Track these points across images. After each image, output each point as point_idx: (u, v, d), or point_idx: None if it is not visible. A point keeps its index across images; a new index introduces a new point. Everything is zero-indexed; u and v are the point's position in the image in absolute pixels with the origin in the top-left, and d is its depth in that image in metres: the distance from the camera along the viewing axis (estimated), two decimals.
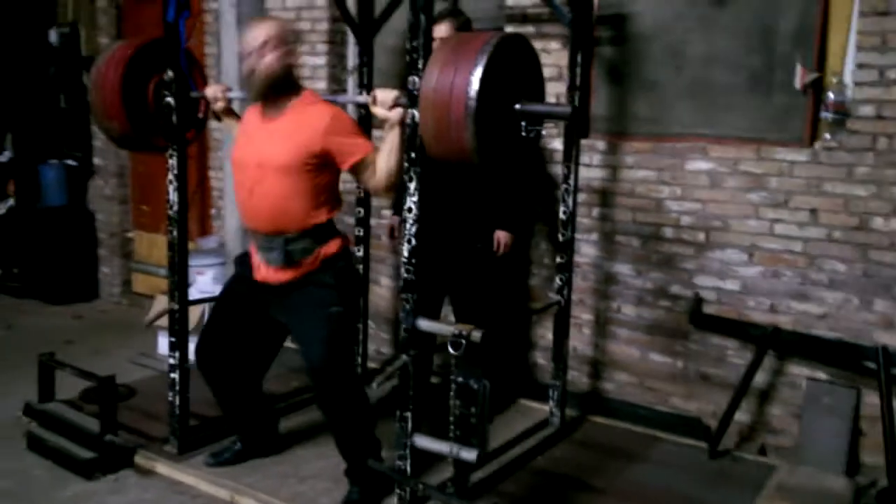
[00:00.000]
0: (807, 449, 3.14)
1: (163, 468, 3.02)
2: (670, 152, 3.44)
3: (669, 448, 3.33)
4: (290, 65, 2.62)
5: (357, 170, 2.60)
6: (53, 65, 5.63)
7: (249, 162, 2.65)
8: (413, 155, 2.49)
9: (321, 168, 2.60)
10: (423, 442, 2.59)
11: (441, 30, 3.04)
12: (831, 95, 3.10)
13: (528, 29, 3.67)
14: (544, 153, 3.73)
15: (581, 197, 3.51)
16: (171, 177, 3.01)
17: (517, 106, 2.42)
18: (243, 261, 2.87)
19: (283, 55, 2.57)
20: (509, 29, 3.73)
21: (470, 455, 2.47)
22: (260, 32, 2.55)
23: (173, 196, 3.02)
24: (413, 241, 2.53)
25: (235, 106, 3.05)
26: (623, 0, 3.50)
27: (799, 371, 3.25)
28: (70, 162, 5.67)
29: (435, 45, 2.69)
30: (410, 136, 2.47)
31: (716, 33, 3.33)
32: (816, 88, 3.15)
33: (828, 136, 3.15)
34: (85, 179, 5.71)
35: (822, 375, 3.19)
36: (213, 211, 5.10)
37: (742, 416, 3.33)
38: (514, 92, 2.41)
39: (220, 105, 2.92)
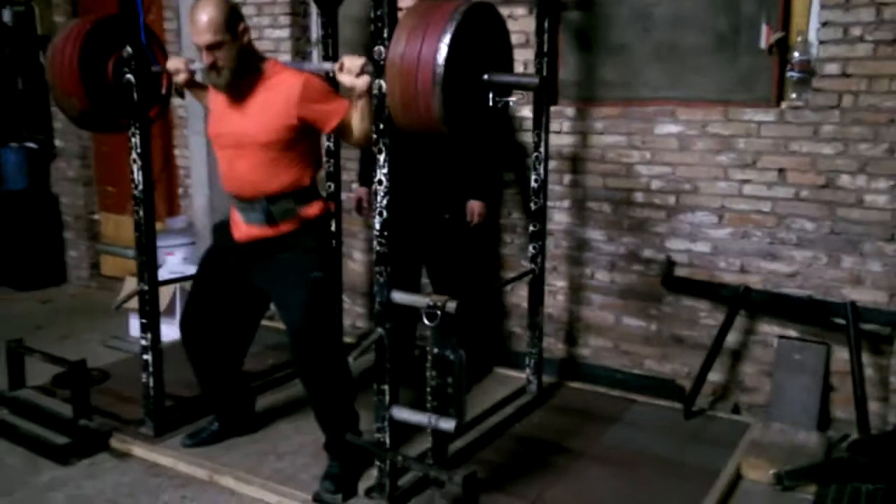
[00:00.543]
0: (779, 406, 3.19)
1: (139, 450, 3.00)
2: (639, 117, 3.44)
3: (645, 410, 3.38)
4: (247, 45, 2.57)
5: (336, 132, 2.65)
6: (8, 45, 5.47)
7: (226, 140, 2.66)
8: (381, 126, 2.45)
9: (300, 136, 2.61)
10: (402, 414, 2.59)
11: None
12: (796, 54, 3.10)
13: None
14: (514, 121, 3.71)
15: (552, 164, 3.50)
16: (134, 156, 2.95)
17: (485, 76, 2.38)
18: (221, 229, 2.86)
19: (238, 39, 2.53)
20: None
21: (448, 425, 2.48)
22: (208, 21, 2.47)
23: (138, 176, 2.96)
24: (384, 214, 2.51)
25: (199, 77, 2.96)
26: None
27: (770, 330, 3.30)
28: (30, 144, 5.53)
29: (401, 14, 2.64)
30: (378, 107, 2.44)
31: None
32: (782, 48, 3.16)
33: (794, 95, 3.16)
34: (46, 162, 5.57)
35: (792, 333, 3.24)
36: (180, 190, 5.02)
37: (715, 375, 3.38)
38: (483, 61, 2.38)
39: (182, 77, 2.81)
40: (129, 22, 2.85)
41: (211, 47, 2.49)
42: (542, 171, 3.22)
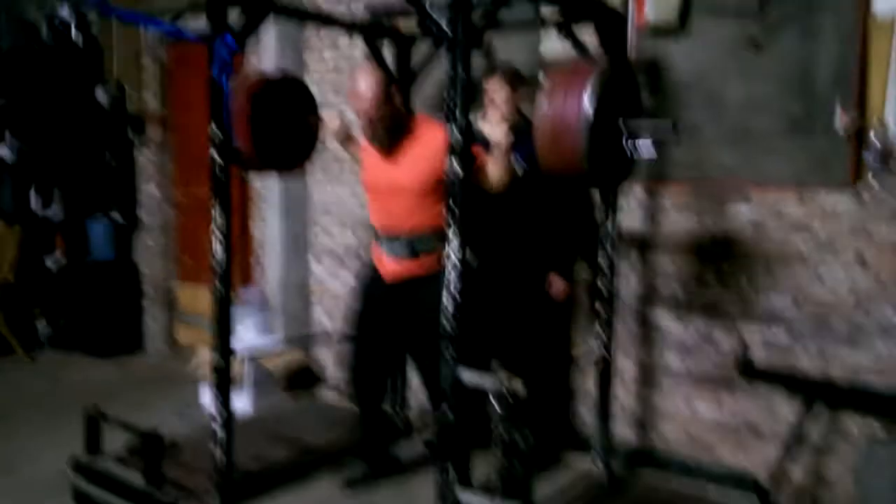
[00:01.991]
0: None
1: None
2: (711, 197, 3.41)
3: None
4: (399, 106, 2.98)
5: (473, 178, 2.84)
6: (101, 123, 5.81)
7: (382, 187, 3.05)
8: (454, 206, 2.51)
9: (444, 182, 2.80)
10: (467, 496, 2.55)
11: (493, 84, 3.32)
12: (873, 136, 3.05)
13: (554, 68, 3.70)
14: (591, 198, 3.71)
15: (621, 244, 3.49)
16: (215, 230, 3.07)
17: (621, 121, 2.58)
18: (367, 271, 3.23)
19: (392, 103, 2.92)
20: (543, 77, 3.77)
21: None
22: (366, 89, 2.87)
23: (217, 248, 3.07)
24: (455, 291, 2.53)
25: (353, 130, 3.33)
26: (659, 48, 3.52)
27: (854, 424, 3.15)
28: (117, 217, 5.81)
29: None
30: (450, 187, 2.52)
31: (755, 79, 3.32)
32: (858, 131, 3.11)
33: (871, 177, 3.09)
34: (131, 233, 5.84)
35: (877, 428, 3.08)
36: (253, 261, 5.17)
37: (795, 470, 3.22)
38: (619, 109, 2.57)
39: (335, 126, 3.20)
40: (216, 103, 3.01)
41: (370, 113, 2.88)
42: (609, 249, 3.20)
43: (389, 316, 3.13)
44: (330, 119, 3.25)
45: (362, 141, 3.16)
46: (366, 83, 2.88)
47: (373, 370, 3.25)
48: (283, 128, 3.24)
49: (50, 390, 4.89)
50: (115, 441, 3.50)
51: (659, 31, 3.47)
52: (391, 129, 2.96)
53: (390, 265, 3.07)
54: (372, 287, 3.19)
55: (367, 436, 3.38)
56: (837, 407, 3.18)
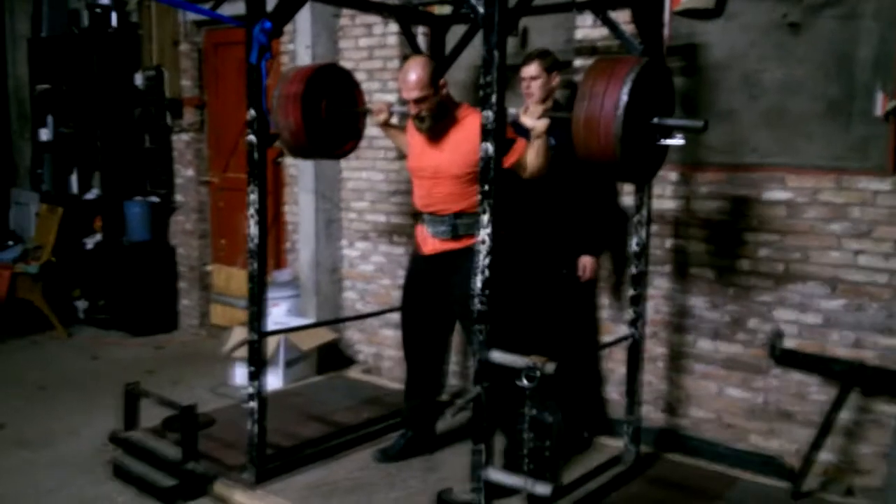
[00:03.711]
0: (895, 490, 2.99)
1: (239, 496, 3.08)
2: (746, 182, 3.38)
3: (749, 488, 3.23)
4: (445, 96, 3.08)
5: (513, 167, 2.97)
6: (139, 106, 5.91)
7: (425, 172, 3.17)
8: (487, 188, 2.52)
9: None
10: (497, 475, 2.58)
11: (530, 70, 3.38)
12: None
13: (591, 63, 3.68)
14: (616, 185, 3.71)
15: (654, 228, 3.47)
16: (252, 211, 3.12)
17: (655, 119, 2.59)
18: (413, 251, 3.43)
19: (438, 93, 3.03)
20: (578, 62, 3.76)
21: (544, 489, 2.45)
22: (416, 79, 2.98)
23: (253, 230, 3.12)
24: (487, 273, 2.55)
25: (395, 119, 3.50)
26: (695, 30, 3.49)
27: (887, 409, 3.11)
28: (153, 199, 5.91)
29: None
30: (483, 169, 2.53)
31: (792, 61, 3.28)
32: None
33: None
34: (167, 215, 5.94)
35: None
36: (287, 244, 5.23)
37: (826, 455, 3.20)
38: (652, 106, 2.60)
39: (383, 117, 3.35)
40: (254, 88, 3.05)
41: (417, 101, 3.00)
42: (643, 234, 3.19)
43: (433, 289, 3.25)
44: (378, 109, 3.37)
45: (409, 126, 3.25)
46: (415, 72, 2.98)
47: (422, 344, 3.36)
48: (334, 115, 3.37)
49: (88, 367, 5.01)
50: (151, 417, 3.59)
51: (695, 14, 3.44)
52: (436, 116, 3.06)
53: (433, 244, 3.20)
54: (416, 264, 3.36)
55: (414, 408, 3.46)
56: (870, 392, 3.15)
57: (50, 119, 6.31)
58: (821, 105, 3.23)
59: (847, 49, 3.16)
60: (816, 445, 3.10)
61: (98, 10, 5.85)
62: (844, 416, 3.15)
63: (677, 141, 2.72)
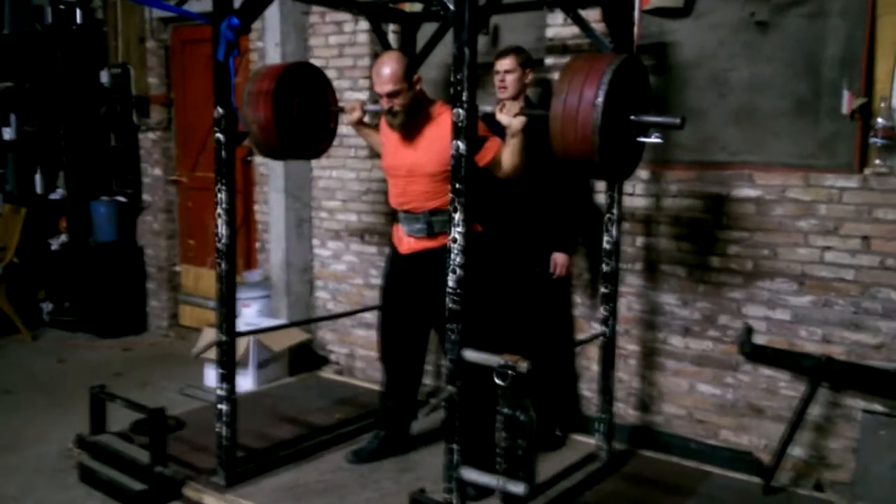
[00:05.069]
0: (864, 484, 3.03)
1: (210, 500, 3.04)
2: (715, 180, 3.41)
3: (721, 483, 3.25)
4: (419, 92, 3.05)
5: (489, 165, 2.97)
6: (104, 104, 5.81)
7: (400, 170, 3.14)
8: (459, 186, 2.51)
9: None
10: (471, 475, 2.57)
11: (505, 63, 3.38)
12: (880, 121, 3.04)
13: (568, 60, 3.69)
14: (589, 182, 3.72)
15: (625, 226, 3.49)
16: (219, 211, 3.07)
17: (632, 117, 2.60)
18: (389, 251, 3.35)
19: (412, 88, 3.00)
20: (549, 61, 3.76)
21: (517, 488, 2.44)
22: (390, 73, 2.94)
23: (222, 229, 3.08)
24: (459, 272, 2.54)
25: (368, 118, 3.42)
26: (664, 29, 3.50)
27: (855, 403, 3.16)
28: (120, 199, 5.81)
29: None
30: (455, 167, 2.52)
31: (760, 60, 3.31)
32: (865, 114, 3.10)
33: (877, 161, 3.08)
34: (134, 215, 5.85)
35: (879, 408, 3.10)
36: (257, 244, 5.17)
37: (796, 450, 3.24)
38: (628, 103, 2.61)
39: (356, 116, 3.30)
40: (221, 85, 3.01)
41: (390, 95, 2.97)
42: (614, 232, 3.21)
43: (411, 290, 3.21)
44: (350, 108, 3.32)
45: (382, 125, 3.22)
46: (389, 66, 2.95)
47: (400, 345, 3.32)
48: (305, 114, 3.33)
49: (54, 370, 4.91)
50: (119, 420, 3.53)
51: (664, 12, 3.46)
52: (410, 112, 3.03)
53: (409, 243, 3.17)
54: (393, 264, 3.31)
55: (390, 409, 3.43)
56: (839, 387, 3.19)
57: (13, 118, 6.17)
58: (789, 103, 3.27)
59: (814, 47, 3.19)
60: (787, 440, 3.14)
61: (62, 6, 5.74)
62: (814, 411, 3.19)
63: (655, 140, 2.72)
